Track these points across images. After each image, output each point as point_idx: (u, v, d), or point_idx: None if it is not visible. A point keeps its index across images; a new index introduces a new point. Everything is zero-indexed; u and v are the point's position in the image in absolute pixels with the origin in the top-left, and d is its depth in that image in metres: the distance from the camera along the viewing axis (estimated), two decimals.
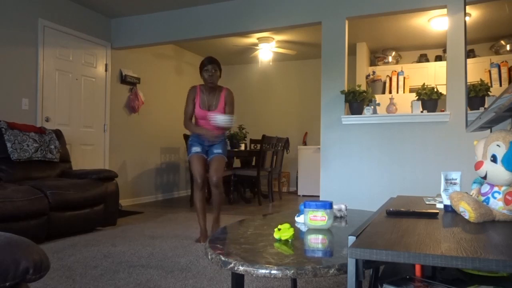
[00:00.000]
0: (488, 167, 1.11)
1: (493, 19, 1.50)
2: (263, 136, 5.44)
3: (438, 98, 3.85)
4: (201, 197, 3.34)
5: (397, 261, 0.79)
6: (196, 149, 3.37)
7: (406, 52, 6.78)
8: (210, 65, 3.31)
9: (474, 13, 1.78)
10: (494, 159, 1.09)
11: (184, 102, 5.66)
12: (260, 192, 5.68)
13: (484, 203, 1.13)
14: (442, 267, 1.00)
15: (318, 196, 6.28)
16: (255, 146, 6.78)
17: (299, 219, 1.59)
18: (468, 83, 2.35)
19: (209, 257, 1.15)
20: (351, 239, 0.91)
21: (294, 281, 1.96)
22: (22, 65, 4.26)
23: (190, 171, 3.39)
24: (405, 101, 5.69)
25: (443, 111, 4.05)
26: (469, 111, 2.58)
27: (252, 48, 6.71)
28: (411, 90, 6.20)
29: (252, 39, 6.38)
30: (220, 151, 3.43)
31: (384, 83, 6.48)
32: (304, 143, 7.36)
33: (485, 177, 1.14)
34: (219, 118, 3.21)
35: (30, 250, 1.09)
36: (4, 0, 4.07)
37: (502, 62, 1.81)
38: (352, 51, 6.27)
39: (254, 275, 1.01)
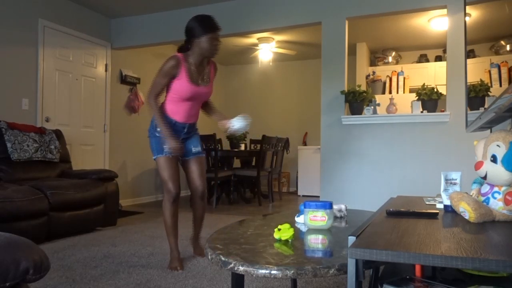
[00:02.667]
0: (488, 167, 1.11)
1: (493, 19, 1.50)
2: (263, 136, 5.44)
3: (438, 98, 3.85)
4: (175, 211, 2.64)
5: (397, 261, 0.79)
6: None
7: (406, 52, 6.78)
8: (219, 32, 2.53)
9: (474, 13, 1.78)
10: (494, 159, 1.09)
11: None
12: (260, 192, 5.67)
13: (484, 203, 1.13)
14: (442, 267, 1.00)
15: (318, 196, 6.28)
16: (255, 146, 6.78)
17: (299, 219, 1.58)
18: (468, 83, 2.35)
19: (209, 257, 1.15)
20: (351, 239, 0.91)
21: (294, 281, 1.96)
22: (22, 65, 4.26)
23: (162, 176, 2.61)
24: (405, 101, 5.68)
25: (443, 111, 4.05)
26: (469, 111, 2.58)
27: (252, 48, 6.71)
28: (411, 90, 6.20)
29: (252, 39, 6.38)
30: (200, 148, 2.73)
31: (384, 83, 6.48)
32: (304, 143, 7.36)
33: (485, 177, 1.14)
34: (240, 125, 2.53)
35: (30, 250, 1.09)
36: (4, 0, 4.07)
37: (502, 62, 1.81)
38: (352, 51, 6.27)
39: (254, 275, 1.01)
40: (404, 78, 6.32)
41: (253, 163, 6.57)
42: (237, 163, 7.07)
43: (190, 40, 2.53)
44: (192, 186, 2.73)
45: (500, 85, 1.91)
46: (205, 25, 2.48)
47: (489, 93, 3.11)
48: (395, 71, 6.40)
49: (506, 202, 1.08)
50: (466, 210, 1.09)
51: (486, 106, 3.06)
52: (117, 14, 5.28)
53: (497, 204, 1.11)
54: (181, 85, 2.52)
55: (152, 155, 2.65)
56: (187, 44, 2.57)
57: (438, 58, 6.37)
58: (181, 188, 2.64)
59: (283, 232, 1.28)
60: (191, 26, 2.50)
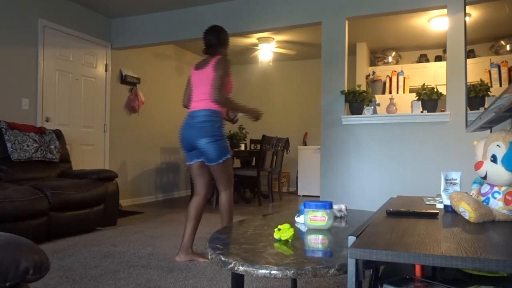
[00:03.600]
0: (488, 167, 1.11)
1: (493, 19, 1.50)
2: (263, 136, 5.44)
3: (438, 98, 3.85)
4: None
5: (397, 261, 0.79)
6: None
7: (406, 52, 6.78)
8: None
9: (474, 13, 1.78)
10: (494, 159, 1.09)
11: None
12: (260, 192, 5.67)
13: (484, 203, 1.13)
14: (442, 267, 1.00)
15: (318, 196, 6.28)
16: (255, 146, 6.78)
17: (299, 219, 1.58)
18: (468, 83, 2.35)
19: (209, 257, 1.15)
20: (351, 239, 0.91)
21: (294, 281, 1.96)
22: (22, 65, 4.26)
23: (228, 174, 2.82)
24: (405, 101, 5.68)
25: (443, 111, 4.05)
26: (469, 111, 2.58)
27: (252, 48, 6.71)
28: (411, 90, 6.20)
29: (252, 39, 6.38)
30: None
31: (384, 83, 6.48)
32: (304, 143, 7.36)
33: (485, 177, 1.14)
34: None
35: (30, 250, 1.09)
36: (4, 0, 4.07)
37: (502, 62, 1.81)
38: (352, 51, 6.27)
39: (254, 275, 1.01)
40: (404, 78, 6.32)
41: (253, 163, 6.56)
42: (237, 163, 7.07)
43: (221, 46, 2.90)
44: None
45: (500, 85, 1.91)
46: (227, 36, 2.96)
47: (489, 93, 3.11)
48: (395, 71, 6.40)
49: (506, 202, 1.08)
50: (466, 210, 1.09)
51: (486, 106, 3.06)
52: (117, 14, 5.28)
53: (497, 204, 1.11)
54: (231, 81, 2.87)
55: (219, 158, 2.69)
56: (216, 49, 2.88)
57: (438, 58, 6.36)
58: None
59: (283, 232, 1.28)
60: (224, 37, 2.92)
